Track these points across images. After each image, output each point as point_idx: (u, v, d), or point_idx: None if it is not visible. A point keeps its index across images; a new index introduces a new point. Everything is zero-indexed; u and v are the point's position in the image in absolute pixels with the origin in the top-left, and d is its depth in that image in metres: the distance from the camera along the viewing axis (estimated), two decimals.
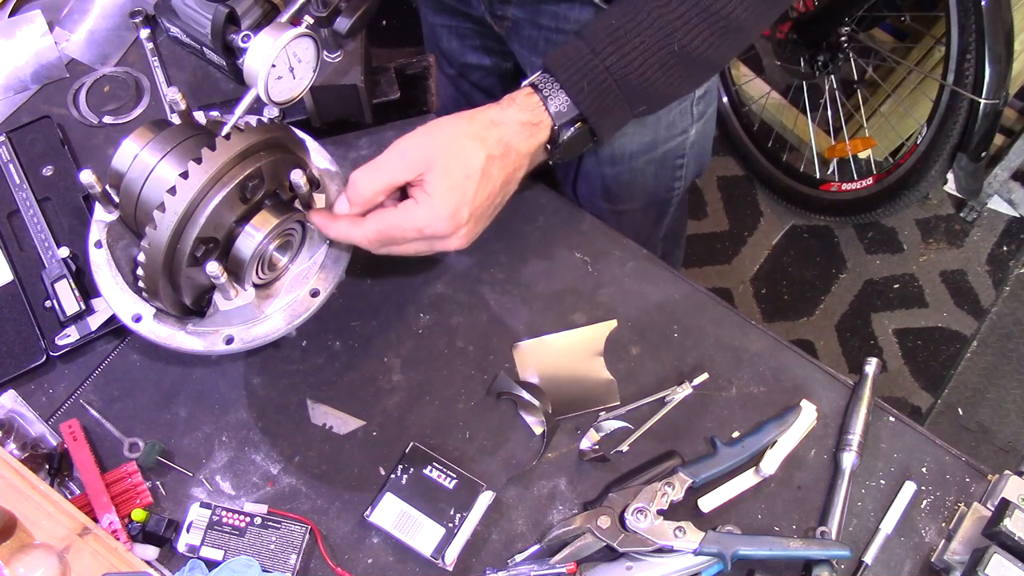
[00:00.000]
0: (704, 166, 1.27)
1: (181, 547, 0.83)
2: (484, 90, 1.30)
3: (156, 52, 1.09)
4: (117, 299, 0.82)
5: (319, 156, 0.88)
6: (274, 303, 0.82)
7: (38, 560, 0.78)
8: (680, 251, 1.60)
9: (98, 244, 0.83)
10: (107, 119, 1.06)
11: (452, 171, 0.76)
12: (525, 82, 0.83)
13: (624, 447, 0.89)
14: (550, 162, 0.85)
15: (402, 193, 0.80)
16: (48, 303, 0.94)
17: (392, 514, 0.85)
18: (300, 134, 0.83)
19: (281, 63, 0.76)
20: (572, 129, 0.82)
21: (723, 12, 0.78)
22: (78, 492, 0.86)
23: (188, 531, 0.84)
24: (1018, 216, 2.21)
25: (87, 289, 0.94)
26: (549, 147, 0.83)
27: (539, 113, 0.81)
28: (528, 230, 1.00)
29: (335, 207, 0.80)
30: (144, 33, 1.10)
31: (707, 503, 0.86)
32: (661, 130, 1.15)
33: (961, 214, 2.23)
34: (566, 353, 0.94)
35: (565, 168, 1.24)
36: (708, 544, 0.81)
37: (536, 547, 0.85)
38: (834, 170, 2.22)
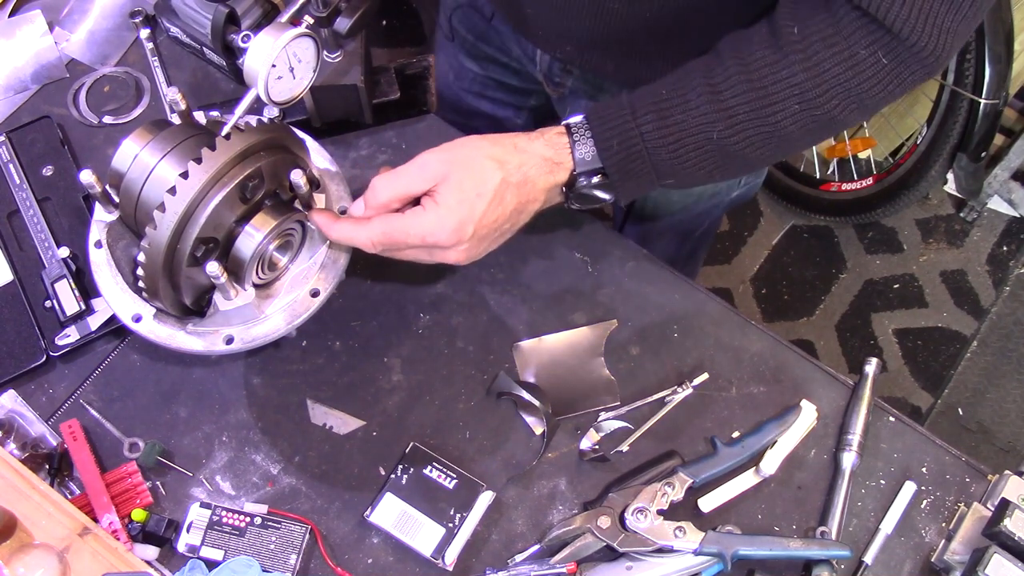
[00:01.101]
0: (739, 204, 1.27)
1: (181, 547, 0.83)
2: (491, 117, 1.29)
3: (156, 52, 1.09)
4: (117, 299, 0.82)
5: (319, 156, 0.88)
6: (274, 303, 0.82)
7: (38, 560, 0.78)
8: (699, 266, 1.58)
9: (98, 244, 0.83)
10: (107, 119, 1.06)
11: (465, 186, 0.76)
12: (563, 122, 0.82)
13: (624, 447, 0.89)
14: (566, 206, 0.84)
15: (417, 204, 0.80)
16: (48, 303, 0.94)
17: (392, 514, 0.85)
18: (300, 134, 0.83)
19: (281, 63, 0.76)
20: (591, 180, 0.81)
21: (772, 119, 0.75)
22: (78, 492, 0.86)
23: (188, 531, 0.84)
24: (1018, 216, 2.21)
25: (87, 289, 0.94)
26: (565, 190, 0.83)
27: (563, 154, 0.80)
28: (528, 230, 1.00)
29: (352, 209, 0.81)
30: (144, 33, 1.10)
31: (707, 503, 0.86)
32: (705, 194, 1.15)
33: (961, 214, 2.23)
34: (566, 353, 0.94)
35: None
36: (708, 544, 0.81)
37: (536, 547, 0.85)
38: (834, 170, 2.22)
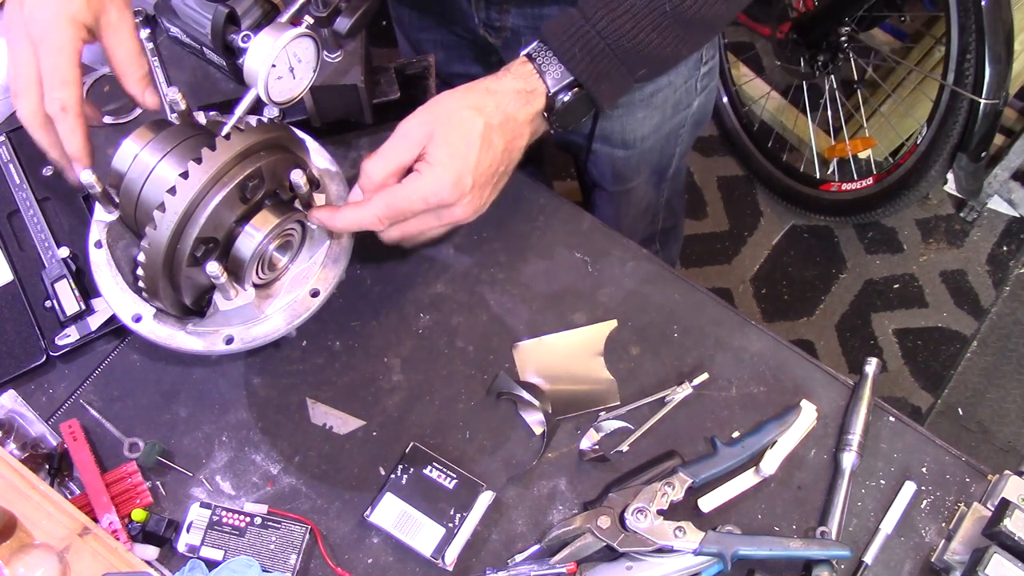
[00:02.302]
0: (702, 126, 1.28)
1: (181, 547, 0.83)
2: None
3: (156, 52, 1.09)
4: (117, 299, 0.82)
5: (319, 156, 0.88)
6: (274, 303, 0.82)
7: (38, 560, 0.78)
8: (681, 223, 1.60)
9: (98, 244, 0.83)
10: (107, 119, 1.06)
11: (452, 140, 0.77)
12: (521, 52, 0.83)
13: (624, 447, 0.89)
14: (552, 131, 0.85)
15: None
16: (48, 303, 0.94)
17: (392, 514, 0.85)
18: (300, 134, 0.83)
19: (281, 63, 0.76)
20: (569, 95, 0.82)
21: None
22: (78, 492, 0.86)
23: (188, 531, 0.84)
24: (1018, 216, 2.21)
25: (87, 289, 0.94)
26: (547, 115, 0.84)
27: (533, 81, 0.81)
28: (528, 230, 1.00)
29: (349, 199, 0.81)
30: (144, 33, 1.10)
31: (707, 503, 0.86)
32: (668, 109, 1.15)
33: (961, 214, 2.23)
34: (566, 353, 0.94)
35: (576, 154, 1.25)
36: (708, 544, 0.81)
37: (536, 547, 0.85)
38: (834, 170, 2.22)
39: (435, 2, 1.12)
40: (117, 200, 0.78)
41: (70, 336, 0.92)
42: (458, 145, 0.77)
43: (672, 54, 0.85)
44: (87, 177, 0.76)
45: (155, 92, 0.84)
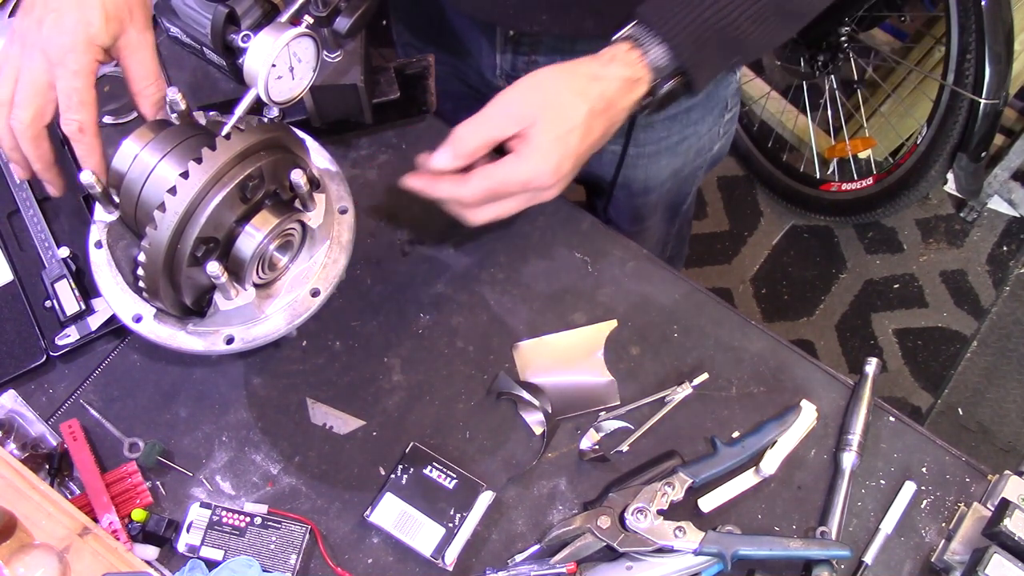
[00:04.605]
0: (718, 164, 1.29)
1: (181, 547, 0.83)
2: None
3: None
4: (117, 299, 0.82)
5: (319, 156, 0.88)
6: (274, 303, 0.82)
7: (38, 560, 0.78)
8: (686, 246, 1.61)
9: (98, 244, 0.83)
10: (107, 119, 1.06)
11: (556, 125, 0.77)
12: (619, 36, 0.81)
13: (624, 447, 0.89)
14: (640, 114, 0.85)
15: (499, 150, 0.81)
16: (48, 303, 0.94)
17: (392, 514, 0.85)
18: (300, 134, 0.83)
19: (281, 63, 0.76)
20: (670, 83, 0.82)
21: None
22: (78, 492, 0.86)
23: (188, 531, 0.84)
24: (1018, 216, 2.21)
25: (87, 289, 0.94)
26: (644, 101, 0.83)
27: (639, 69, 0.80)
28: (528, 230, 1.00)
29: (435, 160, 0.80)
30: None
31: (707, 503, 0.86)
32: (691, 155, 1.16)
33: (961, 214, 2.23)
34: (566, 353, 0.94)
35: (598, 199, 1.26)
36: (708, 544, 0.81)
37: (536, 547, 0.85)
38: (834, 170, 2.22)
39: (453, 51, 1.11)
40: (117, 200, 0.78)
41: (70, 336, 0.92)
42: (561, 131, 0.77)
43: (767, 43, 0.85)
44: (87, 177, 0.76)
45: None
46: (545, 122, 0.77)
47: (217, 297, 0.79)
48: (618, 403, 0.91)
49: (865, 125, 2.18)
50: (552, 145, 0.77)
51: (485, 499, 0.86)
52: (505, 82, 1.06)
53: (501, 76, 1.06)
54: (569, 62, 0.80)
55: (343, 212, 0.85)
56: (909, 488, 0.87)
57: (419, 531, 0.84)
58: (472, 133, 0.78)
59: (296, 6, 0.79)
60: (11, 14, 1.13)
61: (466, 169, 0.80)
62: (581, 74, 0.79)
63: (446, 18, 1.06)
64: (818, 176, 2.20)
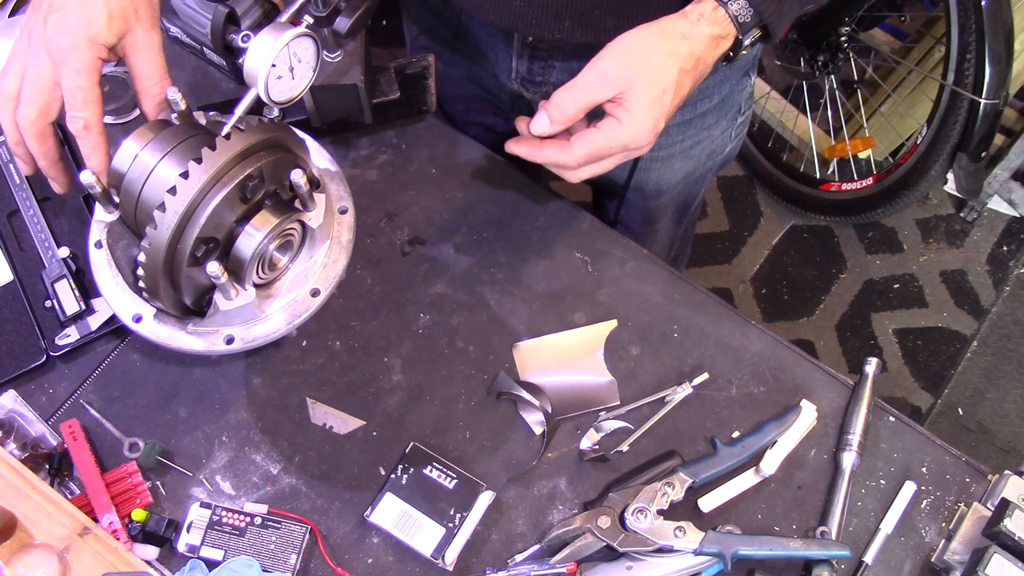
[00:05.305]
0: (727, 166, 1.29)
1: (181, 547, 0.83)
2: (484, 143, 1.30)
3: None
4: (117, 299, 0.82)
5: (319, 156, 0.88)
6: (274, 303, 0.82)
7: (38, 560, 0.78)
8: (689, 247, 1.62)
9: (98, 244, 0.83)
10: (107, 119, 1.06)
11: (651, 88, 0.79)
12: None
13: (624, 447, 0.89)
14: (721, 63, 0.87)
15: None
16: (48, 303, 0.94)
17: (392, 514, 0.85)
18: (300, 134, 0.83)
19: (281, 63, 0.76)
20: (752, 36, 0.83)
21: None
22: (78, 492, 0.86)
23: (188, 531, 0.84)
24: (1018, 216, 2.21)
25: (87, 289, 0.94)
26: (727, 54, 0.85)
27: (727, 26, 0.82)
28: (528, 230, 1.00)
29: (533, 125, 0.82)
30: None
31: (707, 503, 0.86)
32: (703, 158, 1.17)
33: (961, 214, 2.23)
34: (566, 353, 0.94)
35: (609, 201, 1.28)
36: (708, 544, 0.81)
37: (536, 547, 0.85)
38: (834, 170, 2.22)
39: (468, 55, 1.11)
40: (117, 200, 0.78)
41: (70, 336, 0.92)
42: (655, 92, 0.79)
43: None
44: (87, 177, 0.76)
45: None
46: (640, 86, 0.79)
47: (217, 297, 0.79)
48: (618, 403, 0.91)
49: (865, 125, 2.18)
50: (649, 107, 0.79)
51: (485, 499, 0.86)
52: (520, 86, 1.06)
53: (516, 80, 1.06)
54: (657, 21, 0.81)
55: (343, 212, 0.85)
56: (909, 488, 0.87)
57: (419, 531, 0.84)
58: (571, 100, 0.80)
59: (296, 6, 0.79)
60: (11, 14, 1.13)
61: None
62: (670, 34, 0.81)
63: (463, 23, 1.07)
64: (818, 176, 2.20)
